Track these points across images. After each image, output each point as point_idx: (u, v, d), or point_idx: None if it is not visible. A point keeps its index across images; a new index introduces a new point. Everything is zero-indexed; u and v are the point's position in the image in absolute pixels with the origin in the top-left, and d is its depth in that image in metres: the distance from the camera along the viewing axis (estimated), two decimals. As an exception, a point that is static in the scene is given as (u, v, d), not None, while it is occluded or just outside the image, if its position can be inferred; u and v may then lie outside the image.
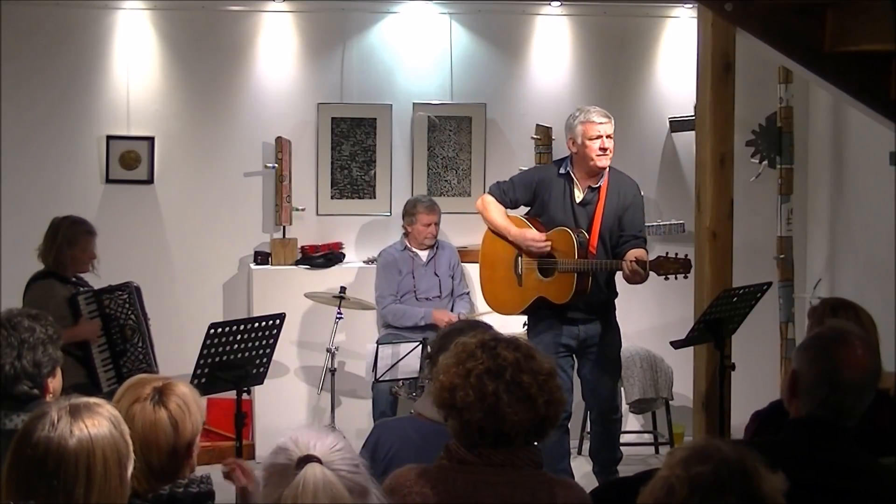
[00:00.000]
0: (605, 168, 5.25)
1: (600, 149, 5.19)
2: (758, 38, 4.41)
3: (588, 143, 5.19)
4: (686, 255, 5.01)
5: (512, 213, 5.48)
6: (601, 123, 5.20)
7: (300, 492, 1.82)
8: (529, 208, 5.46)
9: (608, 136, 5.21)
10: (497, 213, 5.41)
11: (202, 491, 2.55)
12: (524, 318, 5.52)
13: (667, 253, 5.06)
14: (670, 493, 1.80)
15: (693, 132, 5.35)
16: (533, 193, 5.37)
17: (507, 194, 5.42)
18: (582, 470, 5.65)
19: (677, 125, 6.76)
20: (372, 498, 1.93)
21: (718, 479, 1.77)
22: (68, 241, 5.22)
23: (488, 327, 2.97)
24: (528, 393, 2.39)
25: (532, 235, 5.27)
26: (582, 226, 5.24)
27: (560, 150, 5.98)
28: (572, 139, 5.27)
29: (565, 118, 5.36)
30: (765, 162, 6.64)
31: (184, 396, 2.56)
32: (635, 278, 5.05)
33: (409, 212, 6.29)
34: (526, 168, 6.11)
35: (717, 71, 4.58)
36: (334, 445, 1.93)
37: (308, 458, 1.87)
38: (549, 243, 5.23)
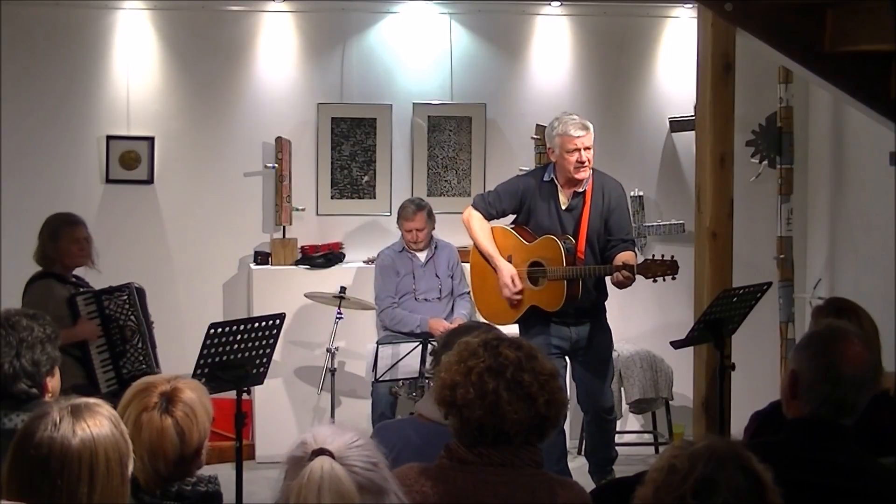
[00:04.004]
0: (583, 179, 5.22)
1: (577, 162, 5.15)
2: (758, 38, 4.41)
3: (566, 155, 5.17)
4: (672, 257, 5.02)
5: (497, 222, 5.47)
6: (578, 136, 5.15)
7: (304, 482, 1.82)
8: (516, 216, 5.44)
9: (586, 148, 5.16)
10: (482, 234, 5.38)
11: (210, 490, 2.54)
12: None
13: (653, 255, 5.07)
14: (672, 471, 1.88)
15: (693, 132, 5.35)
16: (519, 201, 5.35)
17: (492, 206, 5.39)
18: (581, 470, 5.65)
19: (677, 125, 6.76)
20: (390, 498, 1.91)
21: (716, 452, 1.88)
22: (50, 235, 5.21)
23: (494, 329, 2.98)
24: (528, 392, 2.39)
25: (506, 280, 5.25)
26: (568, 231, 5.24)
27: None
28: (552, 149, 5.26)
29: (561, 120, 5.34)
30: (765, 162, 6.64)
31: (191, 403, 2.53)
32: (625, 283, 5.07)
33: (398, 215, 6.31)
34: (526, 169, 6.11)
35: (717, 71, 4.58)
36: (353, 441, 1.92)
37: (320, 451, 1.87)
38: (520, 297, 5.23)
